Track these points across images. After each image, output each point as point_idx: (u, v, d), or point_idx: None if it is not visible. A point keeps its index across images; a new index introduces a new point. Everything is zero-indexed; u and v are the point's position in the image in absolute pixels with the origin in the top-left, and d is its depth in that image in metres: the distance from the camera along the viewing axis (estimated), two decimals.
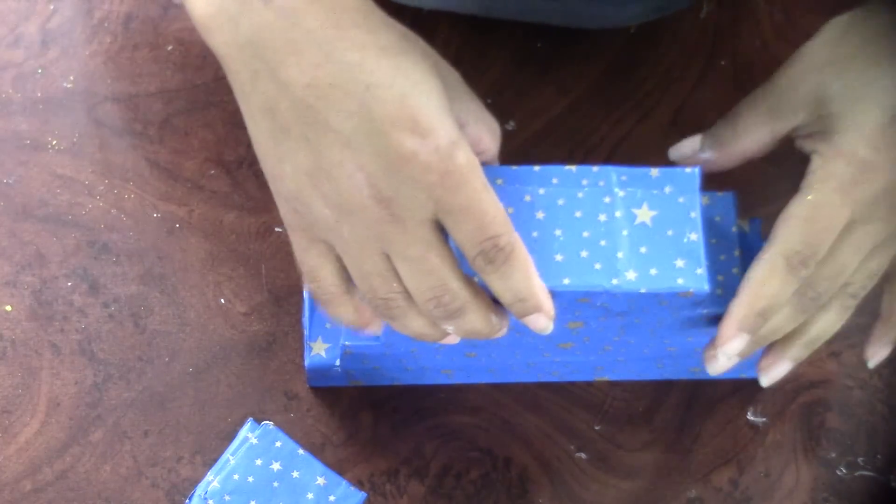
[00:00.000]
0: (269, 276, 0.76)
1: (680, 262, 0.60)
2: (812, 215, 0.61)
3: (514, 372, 0.73)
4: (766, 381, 0.66)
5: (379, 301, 0.59)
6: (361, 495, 0.69)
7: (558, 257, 0.60)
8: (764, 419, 0.74)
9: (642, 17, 0.79)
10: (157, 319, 0.75)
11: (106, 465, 0.72)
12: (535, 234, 0.61)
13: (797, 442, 0.74)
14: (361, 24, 0.55)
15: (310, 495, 0.69)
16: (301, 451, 0.70)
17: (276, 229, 0.77)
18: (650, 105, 0.81)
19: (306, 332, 0.71)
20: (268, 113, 0.56)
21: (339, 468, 0.73)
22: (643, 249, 0.61)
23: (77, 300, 0.75)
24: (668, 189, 0.61)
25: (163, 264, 0.76)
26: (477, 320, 0.59)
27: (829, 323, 0.64)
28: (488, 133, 0.61)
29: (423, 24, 0.81)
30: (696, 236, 0.61)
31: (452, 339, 0.62)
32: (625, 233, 0.61)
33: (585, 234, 0.60)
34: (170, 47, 0.81)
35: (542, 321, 0.59)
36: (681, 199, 0.61)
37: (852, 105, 0.61)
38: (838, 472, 0.74)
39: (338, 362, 0.71)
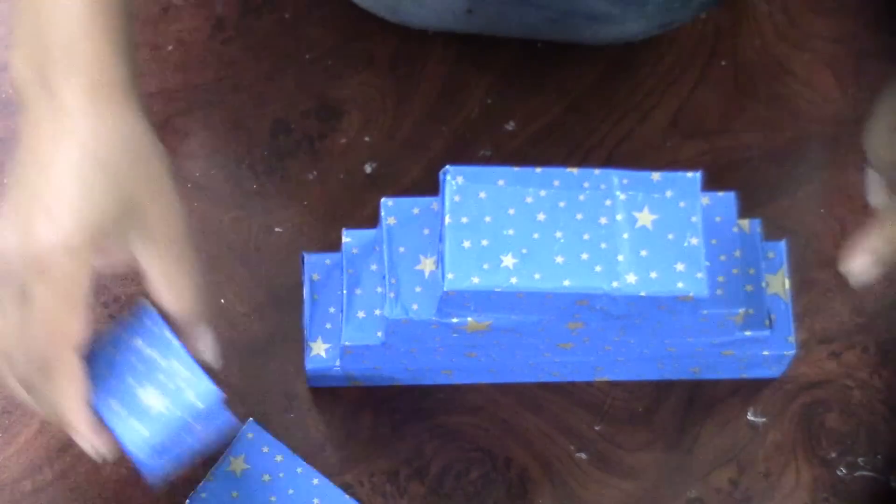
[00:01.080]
0: (269, 276, 0.76)
1: (680, 266, 0.61)
2: None
3: (514, 372, 0.73)
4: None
5: None
6: (218, 393, 0.64)
7: (559, 259, 0.60)
8: (764, 419, 0.74)
9: (643, 35, 0.78)
10: None
11: (106, 465, 0.72)
12: (535, 235, 0.61)
13: (797, 442, 0.74)
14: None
15: (164, 378, 0.64)
16: (168, 335, 0.65)
17: (276, 229, 0.77)
18: (650, 106, 0.80)
19: (306, 332, 0.71)
20: None
21: (339, 468, 0.73)
22: (644, 253, 0.61)
23: None
24: (669, 193, 0.61)
25: None
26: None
27: None
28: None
29: (435, 34, 0.81)
30: (696, 241, 0.61)
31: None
32: (625, 236, 0.61)
33: (586, 236, 0.61)
34: (170, 47, 0.81)
35: (86, 446, 0.63)
36: (682, 204, 0.61)
37: None
38: (838, 472, 0.74)
39: (338, 362, 0.71)
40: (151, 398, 0.63)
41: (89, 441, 0.63)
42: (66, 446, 0.72)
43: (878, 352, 0.75)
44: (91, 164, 0.59)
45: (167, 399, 0.63)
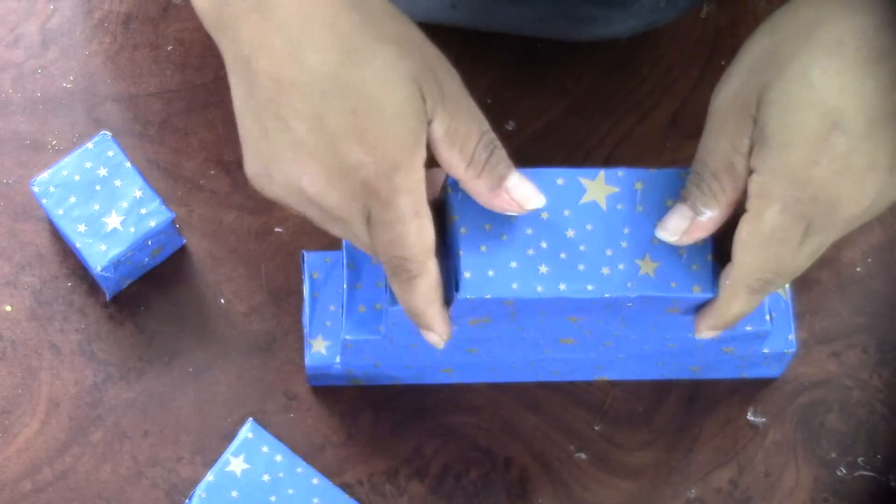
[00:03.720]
0: (269, 276, 0.76)
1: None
2: (766, 242, 0.58)
3: (514, 371, 0.73)
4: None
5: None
6: (170, 215, 0.73)
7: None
8: (764, 419, 0.74)
9: (630, 33, 0.78)
10: (157, 319, 0.75)
11: (106, 465, 0.72)
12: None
13: (797, 442, 0.74)
14: (331, 25, 0.55)
15: (124, 203, 0.73)
16: (128, 164, 0.74)
17: (276, 229, 0.77)
18: (650, 105, 0.81)
19: (306, 330, 0.71)
20: (245, 95, 0.57)
21: (339, 468, 0.73)
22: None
23: (77, 300, 0.75)
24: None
25: (163, 264, 0.76)
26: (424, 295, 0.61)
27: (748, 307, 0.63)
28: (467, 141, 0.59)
29: (423, 25, 0.81)
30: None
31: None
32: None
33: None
34: (170, 47, 0.81)
35: (433, 338, 0.63)
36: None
37: (788, 118, 0.57)
38: (838, 472, 0.74)
39: (338, 359, 0.71)
40: (114, 222, 0.73)
41: (441, 336, 0.63)
42: (66, 446, 0.73)
43: (878, 352, 0.76)
44: (347, 73, 0.55)
45: (127, 221, 0.73)
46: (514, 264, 0.61)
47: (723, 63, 0.81)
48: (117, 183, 0.74)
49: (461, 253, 0.61)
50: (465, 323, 0.65)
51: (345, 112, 0.55)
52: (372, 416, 0.74)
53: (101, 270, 0.72)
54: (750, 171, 0.59)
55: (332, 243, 0.73)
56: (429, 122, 0.57)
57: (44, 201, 0.73)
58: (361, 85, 0.55)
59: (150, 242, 0.74)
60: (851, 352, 0.76)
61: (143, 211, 0.73)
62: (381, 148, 0.55)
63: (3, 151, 0.78)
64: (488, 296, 0.61)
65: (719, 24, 0.82)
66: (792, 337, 0.71)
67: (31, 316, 0.75)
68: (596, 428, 0.74)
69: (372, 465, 0.73)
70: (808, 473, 0.74)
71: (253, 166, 0.58)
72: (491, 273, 0.61)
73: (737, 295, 0.61)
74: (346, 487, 0.72)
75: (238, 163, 0.78)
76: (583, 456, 0.74)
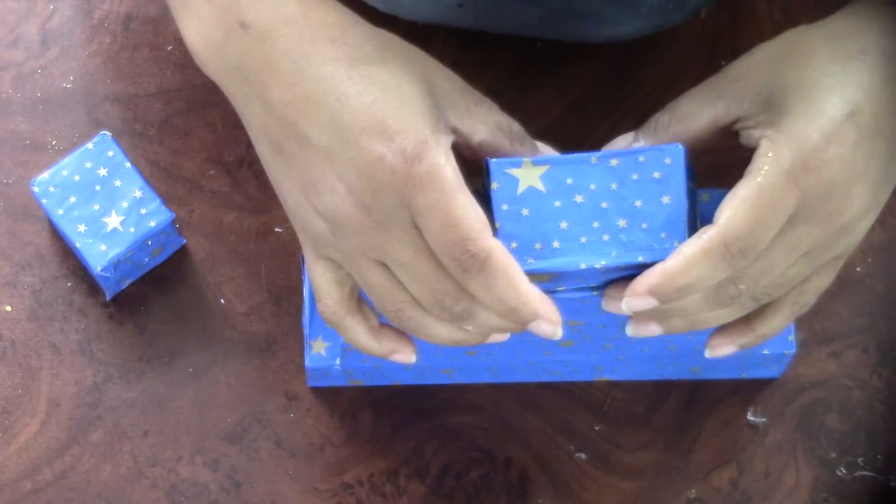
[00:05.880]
0: (269, 276, 0.76)
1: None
2: (759, 199, 0.57)
3: (514, 372, 0.73)
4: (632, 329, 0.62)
5: (391, 314, 0.60)
6: (170, 216, 0.73)
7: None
8: (764, 419, 0.74)
9: (637, 35, 0.78)
10: (157, 319, 0.75)
11: (106, 465, 0.72)
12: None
13: (797, 442, 0.74)
14: (336, 39, 0.57)
15: (124, 203, 0.73)
16: (128, 164, 0.74)
17: (276, 229, 0.77)
18: (650, 105, 0.80)
19: (306, 332, 0.71)
20: (263, 133, 0.58)
21: (338, 468, 0.73)
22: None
23: (77, 300, 0.75)
24: (656, 174, 0.60)
25: (163, 264, 0.76)
26: (492, 317, 0.59)
27: (717, 318, 0.61)
28: (491, 134, 0.61)
29: (423, 26, 0.81)
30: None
31: (498, 338, 0.61)
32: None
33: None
34: (170, 47, 0.81)
35: (545, 327, 0.58)
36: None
37: (807, 94, 0.57)
38: (838, 472, 0.74)
39: (338, 361, 0.71)
40: (114, 222, 0.73)
41: (552, 320, 0.58)
42: (66, 446, 0.73)
43: (878, 352, 0.76)
44: (366, 69, 0.56)
45: (127, 221, 0.73)
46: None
47: (722, 63, 0.81)
48: (117, 183, 0.74)
49: None
50: None
51: (362, 107, 0.55)
52: (372, 416, 0.74)
53: (101, 270, 0.72)
54: (736, 132, 0.60)
55: None
56: (450, 126, 0.58)
57: (44, 201, 0.73)
58: (375, 80, 0.56)
59: (150, 242, 0.74)
60: (851, 352, 0.76)
61: (143, 211, 0.73)
62: (402, 132, 0.55)
63: (3, 151, 0.78)
64: None
65: (719, 25, 0.82)
66: (791, 338, 0.71)
67: (31, 316, 0.75)
68: (596, 428, 0.74)
69: (372, 465, 0.73)
70: (808, 473, 0.74)
71: (291, 201, 0.59)
72: None
73: (711, 252, 0.57)
74: (347, 487, 0.72)
75: (238, 162, 0.78)
76: (583, 456, 0.74)
